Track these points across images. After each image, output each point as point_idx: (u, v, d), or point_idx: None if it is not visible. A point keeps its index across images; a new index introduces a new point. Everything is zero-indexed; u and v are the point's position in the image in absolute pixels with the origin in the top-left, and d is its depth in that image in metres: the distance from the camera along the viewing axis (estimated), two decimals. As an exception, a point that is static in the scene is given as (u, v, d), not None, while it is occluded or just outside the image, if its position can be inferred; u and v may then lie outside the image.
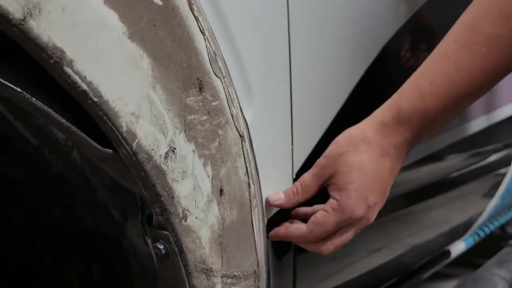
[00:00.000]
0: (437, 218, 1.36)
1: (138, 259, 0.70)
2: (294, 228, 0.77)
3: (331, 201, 0.74)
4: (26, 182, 0.73)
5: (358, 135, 0.74)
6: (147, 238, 0.63)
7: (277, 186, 0.82)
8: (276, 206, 0.79)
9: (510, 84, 1.42)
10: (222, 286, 0.68)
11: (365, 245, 1.13)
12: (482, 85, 0.67)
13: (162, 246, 0.62)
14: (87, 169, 0.66)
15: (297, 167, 0.84)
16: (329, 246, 0.76)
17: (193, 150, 0.62)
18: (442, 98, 0.68)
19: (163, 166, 0.58)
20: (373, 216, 0.76)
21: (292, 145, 0.83)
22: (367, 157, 0.72)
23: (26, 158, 0.69)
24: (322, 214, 0.74)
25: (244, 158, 0.72)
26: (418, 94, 0.69)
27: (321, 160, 0.76)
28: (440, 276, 1.53)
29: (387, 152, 0.73)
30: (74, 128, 0.51)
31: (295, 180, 0.84)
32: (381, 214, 1.10)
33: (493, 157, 1.38)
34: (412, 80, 0.72)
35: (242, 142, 0.71)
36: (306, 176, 0.78)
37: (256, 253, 0.75)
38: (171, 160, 0.59)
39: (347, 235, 0.76)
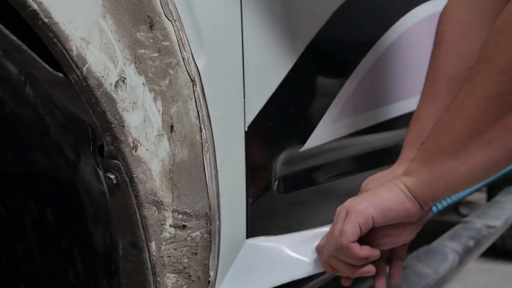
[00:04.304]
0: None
1: (91, 198, 0.71)
2: None
3: None
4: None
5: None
6: (99, 169, 0.65)
7: (229, 137, 0.84)
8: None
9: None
10: (173, 221, 0.70)
11: (323, 217, 1.17)
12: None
13: (113, 176, 0.64)
14: (39, 106, 0.67)
15: (249, 120, 0.87)
16: None
17: (144, 83, 0.64)
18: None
19: (114, 94, 0.60)
20: None
21: (244, 98, 0.85)
22: None
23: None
24: None
25: (196, 102, 0.74)
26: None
27: None
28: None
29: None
30: (25, 47, 0.53)
31: (246, 133, 0.86)
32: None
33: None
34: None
35: (193, 86, 0.74)
36: None
37: (208, 197, 0.77)
38: (121, 90, 0.61)
39: None
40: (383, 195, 0.73)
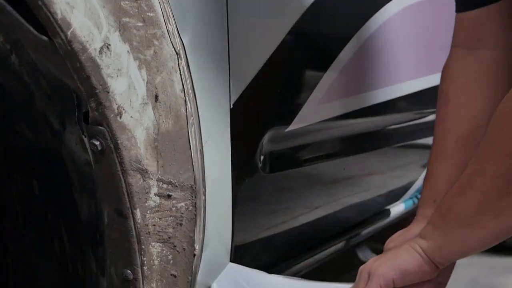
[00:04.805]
0: (376, 183, 1.42)
1: (76, 168, 0.72)
2: None
3: None
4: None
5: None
6: (84, 137, 0.66)
7: (214, 113, 0.85)
8: None
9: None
10: (158, 190, 0.71)
11: (308, 202, 1.18)
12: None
13: (98, 142, 0.64)
14: (25, 74, 0.68)
15: (234, 98, 0.88)
16: None
17: (128, 51, 0.65)
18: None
19: (98, 60, 0.61)
20: None
21: (229, 75, 0.86)
22: None
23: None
24: None
25: (181, 75, 0.75)
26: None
27: None
28: (383, 236, 1.59)
29: None
30: (9, 8, 0.54)
31: (232, 110, 0.87)
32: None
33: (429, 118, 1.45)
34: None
35: (178, 59, 0.75)
36: None
37: (193, 170, 0.78)
38: (106, 56, 0.62)
39: None
40: (402, 258, 0.79)
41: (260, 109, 0.96)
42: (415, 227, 0.86)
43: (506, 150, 0.69)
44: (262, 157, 0.96)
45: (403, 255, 0.79)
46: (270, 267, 1.11)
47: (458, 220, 0.75)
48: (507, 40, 0.86)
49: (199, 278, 0.90)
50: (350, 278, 1.37)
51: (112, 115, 0.64)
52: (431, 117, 1.49)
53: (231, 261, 0.98)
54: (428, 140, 1.56)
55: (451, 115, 0.89)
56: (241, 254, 0.99)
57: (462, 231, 0.75)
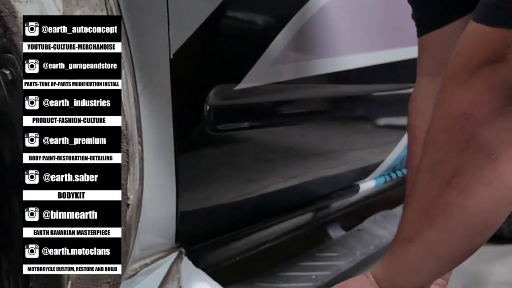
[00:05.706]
0: (356, 157, 1.40)
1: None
2: None
3: None
4: None
5: None
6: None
7: (150, 62, 0.83)
8: None
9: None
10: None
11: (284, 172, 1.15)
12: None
13: (8, 71, 0.62)
14: None
15: (174, 48, 0.85)
16: None
17: (39, -23, 0.63)
18: None
19: (3, -17, 0.59)
20: None
21: (168, 24, 0.84)
22: None
23: None
24: None
25: (108, 14, 0.73)
26: None
27: None
28: (354, 213, 1.56)
29: None
30: None
31: (172, 60, 0.85)
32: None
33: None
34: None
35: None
36: None
37: (124, 115, 0.76)
38: (12, -21, 0.60)
39: None
40: (350, 282, 0.77)
41: (204, 63, 0.93)
42: None
43: (432, 139, 0.66)
44: (207, 114, 0.93)
45: (352, 280, 0.77)
46: (221, 234, 1.08)
47: (402, 235, 0.71)
48: None
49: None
50: (318, 252, 1.34)
51: (21, 42, 0.61)
52: (398, 92, 1.47)
53: (177, 225, 0.95)
54: (393, 120, 1.52)
55: (419, 154, 0.86)
56: (187, 218, 0.96)
57: (404, 247, 0.70)
